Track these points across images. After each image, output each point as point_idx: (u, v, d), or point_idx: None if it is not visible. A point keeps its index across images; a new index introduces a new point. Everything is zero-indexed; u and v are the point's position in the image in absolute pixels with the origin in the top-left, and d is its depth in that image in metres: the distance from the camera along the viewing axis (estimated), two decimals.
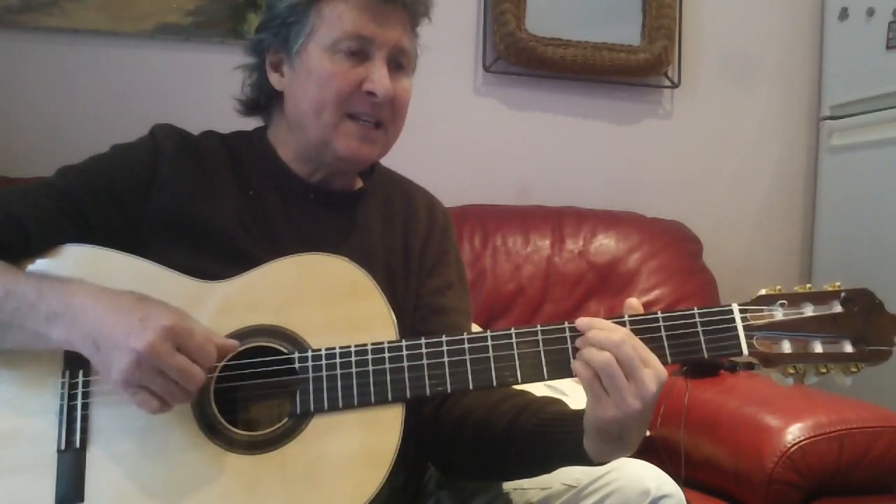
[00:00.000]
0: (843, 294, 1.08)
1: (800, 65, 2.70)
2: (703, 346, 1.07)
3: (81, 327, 1.04)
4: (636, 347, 1.02)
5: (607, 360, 1.00)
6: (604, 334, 1.03)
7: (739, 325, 1.07)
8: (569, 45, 2.47)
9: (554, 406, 1.16)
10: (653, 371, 1.01)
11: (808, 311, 1.08)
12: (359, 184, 1.34)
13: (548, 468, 1.17)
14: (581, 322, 1.07)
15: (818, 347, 1.07)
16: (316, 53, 1.21)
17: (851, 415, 1.62)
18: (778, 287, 1.10)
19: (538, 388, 1.36)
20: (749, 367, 1.95)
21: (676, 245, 2.36)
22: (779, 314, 1.08)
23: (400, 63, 1.24)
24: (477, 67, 2.51)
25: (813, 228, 2.67)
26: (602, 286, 2.27)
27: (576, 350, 1.06)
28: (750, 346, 1.07)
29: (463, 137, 2.49)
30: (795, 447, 1.56)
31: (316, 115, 1.22)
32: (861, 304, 1.07)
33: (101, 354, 1.03)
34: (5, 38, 2.20)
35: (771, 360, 1.07)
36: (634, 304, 1.09)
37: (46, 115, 2.22)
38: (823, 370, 1.07)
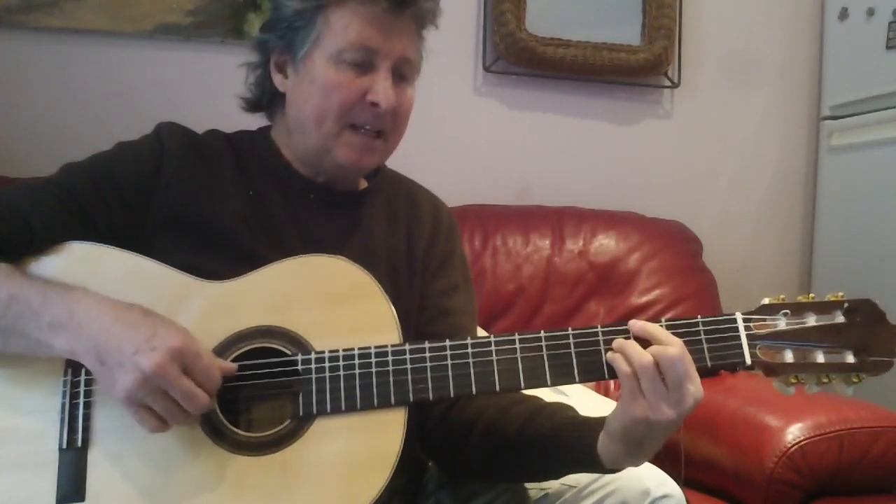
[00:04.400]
0: (845, 304, 1.08)
1: (800, 65, 2.70)
2: (707, 355, 1.08)
3: (85, 339, 1.03)
4: (687, 363, 1.03)
5: (649, 364, 1.01)
6: (661, 349, 1.03)
7: (743, 334, 1.08)
8: (569, 45, 2.47)
9: (567, 412, 1.16)
10: (695, 388, 1.03)
11: (811, 320, 1.08)
12: (363, 184, 1.35)
13: (557, 473, 1.17)
14: (636, 326, 1.07)
15: (820, 357, 1.07)
16: (321, 61, 1.20)
17: (851, 415, 1.62)
18: (781, 296, 1.11)
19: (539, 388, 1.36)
20: (749, 366, 1.95)
21: (676, 245, 2.36)
22: (782, 323, 1.08)
23: (404, 73, 1.24)
24: (477, 67, 2.51)
25: (813, 228, 2.67)
26: (602, 286, 2.27)
27: (582, 357, 1.07)
28: (753, 355, 1.08)
29: (463, 137, 2.49)
30: (795, 447, 1.57)
31: (317, 124, 1.21)
32: (863, 314, 1.08)
33: (105, 369, 1.02)
34: (5, 38, 2.19)
35: (773, 370, 1.08)
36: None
37: (46, 115, 2.22)
38: (825, 380, 1.08)
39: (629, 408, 1.03)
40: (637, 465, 1.09)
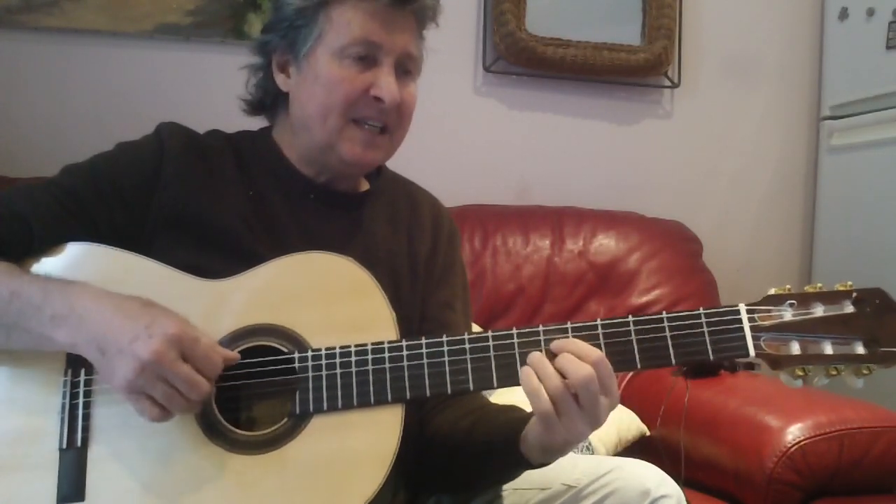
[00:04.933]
0: (854, 294, 1.05)
1: (800, 65, 2.70)
2: (709, 348, 1.05)
3: (86, 331, 1.04)
4: (602, 379, 1.01)
5: (562, 395, 1.01)
6: (572, 367, 1.01)
7: (746, 325, 1.05)
8: (569, 45, 2.47)
9: (500, 417, 1.17)
10: (610, 401, 1.02)
11: (819, 311, 1.05)
12: (364, 186, 1.35)
13: (503, 478, 1.19)
14: (555, 345, 1.06)
15: (828, 349, 1.04)
16: (324, 58, 1.21)
17: (851, 415, 1.62)
18: (787, 287, 1.08)
19: None
20: (749, 366, 1.94)
21: (676, 245, 2.37)
22: (788, 314, 1.05)
23: (407, 68, 1.24)
24: (477, 67, 2.51)
25: (813, 228, 2.67)
26: (602, 286, 2.27)
27: None
28: (757, 347, 1.05)
29: (463, 137, 2.49)
30: (795, 447, 1.56)
31: (322, 120, 1.22)
32: (874, 304, 1.04)
33: (106, 359, 1.03)
34: (5, 38, 2.20)
35: (778, 362, 1.05)
36: None
37: (46, 115, 2.22)
38: (833, 372, 1.04)
39: (545, 434, 1.04)
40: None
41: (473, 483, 1.24)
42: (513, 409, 1.18)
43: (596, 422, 1.02)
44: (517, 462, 1.11)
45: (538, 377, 1.03)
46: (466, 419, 1.20)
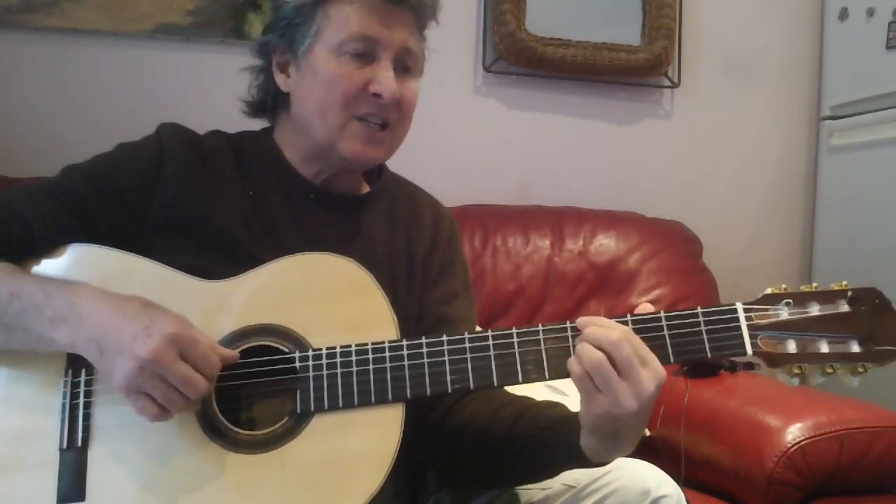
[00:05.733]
0: (850, 293, 1.06)
1: (800, 65, 2.70)
2: (707, 346, 1.06)
3: (86, 331, 1.04)
4: (635, 346, 1.00)
5: (598, 360, 0.99)
6: (601, 332, 1.01)
7: (744, 324, 1.06)
8: (569, 45, 2.47)
9: (552, 409, 1.16)
10: (651, 371, 1.00)
11: (815, 310, 1.06)
12: (365, 188, 1.34)
13: (549, 472, 1.17)
14: (581, 320, 1.06)
15: (824, 347, 1.05)
16: (322, 55, 1.21)
17: (851, 415, 1.62)
18: (784, 286, 1.09)
19: (538, 388, 1.36)
20: (749, 366, 1.95)
21: (676, 245, 2.37)
22: (784, 313, 1.06)
23: (406, 65, 1.24)
24: (477, 67, 2.51)
25: (813, 228, 2.68)
26: (602, 286, 2.27)
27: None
28: (754, 345, 1.05)
29: (463, 137, 2.49)
30: (795, 447, 1.56)
31: (322, 117, 1.21)
32: (869, 303, 1.05)
33: (105, 359, 1.03)
34: (5, 38, 2.20)
35: (775, 361, 1.05)
36: (649, 307, 1.08)
37: (46, 115, 2.22)
38: (830, 370, 1.05)
39: (590, 406, 1.01)
40: (624, 454, 1.07)
41: (513, 478, 1.21)
42: (559, 404, 1.17)
43: (639, 390, 0.98)
44: (570, 455, 1.07)
45: (577, 359, 1.02)
46: (505, 411, 1.18)
